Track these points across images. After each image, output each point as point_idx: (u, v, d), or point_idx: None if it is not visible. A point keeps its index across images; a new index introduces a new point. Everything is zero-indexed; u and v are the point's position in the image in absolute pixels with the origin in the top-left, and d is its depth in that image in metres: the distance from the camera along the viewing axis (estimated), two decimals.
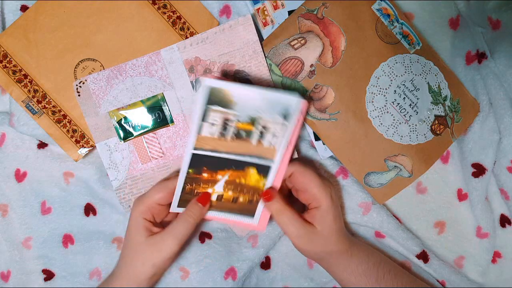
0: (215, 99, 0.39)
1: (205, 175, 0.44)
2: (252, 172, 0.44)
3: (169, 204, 0.46)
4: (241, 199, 0.46)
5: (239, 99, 0.39)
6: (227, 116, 0.40)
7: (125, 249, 0.45)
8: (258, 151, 0.43)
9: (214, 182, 0.45)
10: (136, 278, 0.44)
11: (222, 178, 0.44)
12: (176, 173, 0.45)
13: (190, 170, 0.43)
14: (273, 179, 0.45)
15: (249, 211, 0.46)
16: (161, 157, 0.50)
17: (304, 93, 0.49)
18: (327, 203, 0.44)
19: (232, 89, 0.38)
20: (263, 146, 0.42)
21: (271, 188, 0.45)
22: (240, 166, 0.44)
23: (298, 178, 0.45)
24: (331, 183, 0.51)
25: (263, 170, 0.44)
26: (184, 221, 0.44)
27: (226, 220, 0.47)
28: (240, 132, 0.41)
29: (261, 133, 0.42)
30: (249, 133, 0.42)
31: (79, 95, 0.49)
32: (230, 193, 0.45)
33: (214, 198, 0.46)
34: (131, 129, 0.50)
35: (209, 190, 0.45)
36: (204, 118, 0.40)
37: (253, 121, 0.41)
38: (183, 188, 0.44)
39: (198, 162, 0.43)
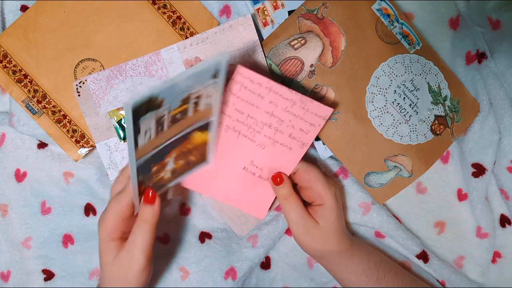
0: (143, 109, 0.35)
1: (154, 169, 0.42)
2: (196, 135, 0.43)
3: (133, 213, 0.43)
4: (193, 158, 0.45)
5: (166, 95, 0.36)
6: (159, 115, 0.37)
7: (101, 271, 0.44)
8: (196, 118, 0.41)
9: (164, 166, 0.43)
10: (124, 277, 0.42)
11: (171, 159, 0.43)
12: (125, 178, 0.43)
13: (141, 177, 0.41)
14: (216, 131, 0.44)
15: (203, 160, 0.46)
16: None
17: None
18: (331, 201, 0.44)
19: (155, 92, 0.35)
20: (200, 111, 0.41)
21: (281, 173, 0.45)
22: (182, 139, 0.42)
23: (303, 176, 0.45)
24: (335, 182, 0.51)
25: (205, 127, 0.43)
26: (140, 228, 0.41)
27: (186, 180, 0.47)
28: (175, 117, 0.39)
29: (195, 103, 0.40)
30: (184, 112, 0.39)
31: (79, 95, 0.49)
32: (181, 161, 0.44)
33: (167, 175, 0.44)
34: None
35: (162, 174, 0.44)
36: (136, 133, 0.36)
37: (185, 101, 0.38)
38: (140, 192, 0.42)
39: (145, 167, 0.41)
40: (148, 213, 0.41)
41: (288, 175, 0.46)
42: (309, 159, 0.52)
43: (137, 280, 0.42)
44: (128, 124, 0.34)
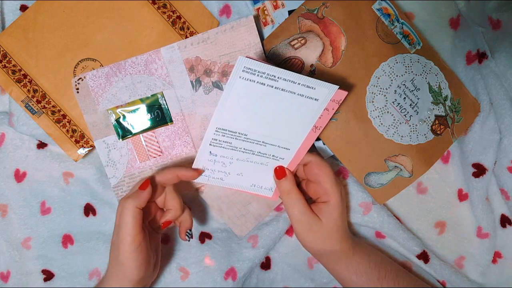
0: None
1: None
2: None
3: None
4: None
5: None
6: None
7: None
8: None
9: None
10: (122, 276, 0.42)
11: None
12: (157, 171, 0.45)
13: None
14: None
15: None
16: (159, 155, 0.50)
17: None
18: (337, 199, 0.44)
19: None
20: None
21: (285, 167, 0.45)
22: None
23: (314, 169, 0.45)
24: (341, 181, 0.51)
25: None
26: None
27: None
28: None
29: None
30: None
31: (77, 92, 0.49)
32: None
33: None
34: (129, 128, 0.50)
35: None
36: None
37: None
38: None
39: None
40: (139, 196, 0.42)
41: (297, 163, 0.46)
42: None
43: (128, 253, 0.41)
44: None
